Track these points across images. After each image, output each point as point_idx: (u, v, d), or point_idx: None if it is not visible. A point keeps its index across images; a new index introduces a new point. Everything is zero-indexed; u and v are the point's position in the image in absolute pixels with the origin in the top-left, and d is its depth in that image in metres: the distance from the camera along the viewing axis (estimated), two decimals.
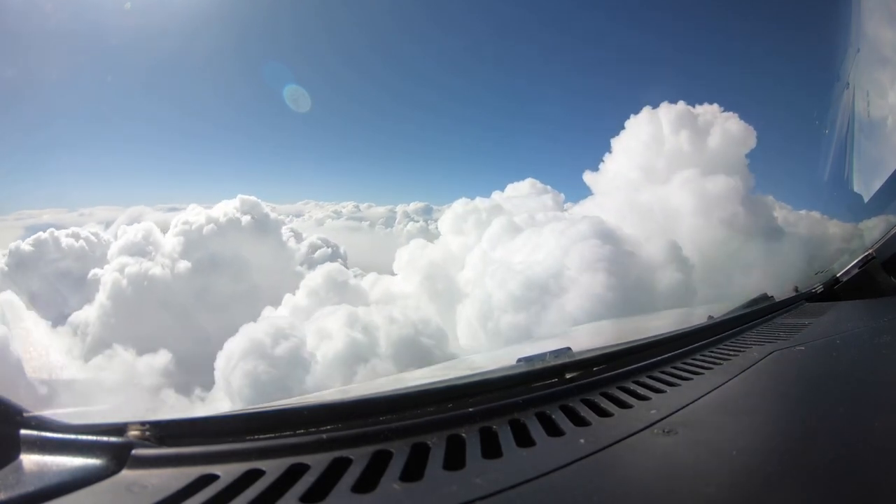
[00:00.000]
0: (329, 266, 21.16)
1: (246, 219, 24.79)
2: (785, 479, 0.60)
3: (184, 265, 22.27)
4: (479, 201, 22.18)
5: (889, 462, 0.64)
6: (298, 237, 28.90)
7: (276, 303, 18.80)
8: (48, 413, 0.70)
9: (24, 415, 0.68)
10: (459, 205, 22.54)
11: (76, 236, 23.52)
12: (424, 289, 18.79)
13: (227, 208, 24.68)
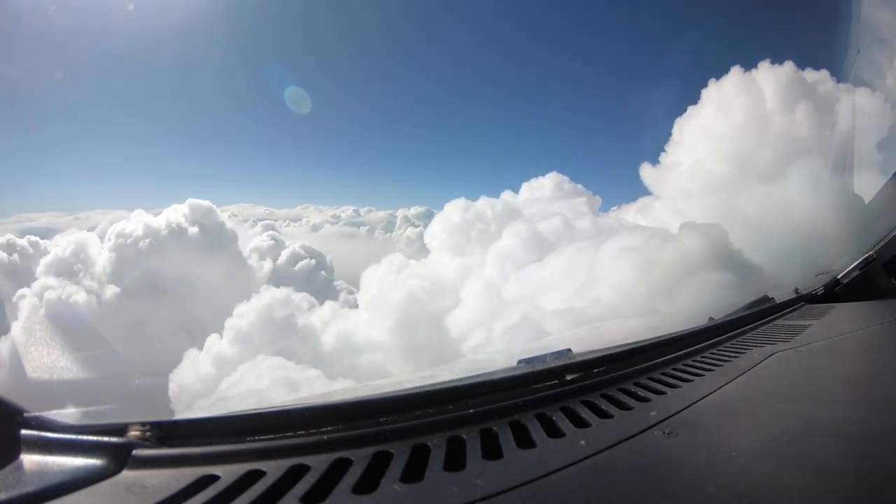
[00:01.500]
0: (275, 294, 15.71)
1: (193, 230, 20.38)
2: (785, 480, 0.60)
3: (110, 292, 17.84)
4: (485, 203, 15.81)
5: (889, 463, 0.64)
6: (279, 246, 25.39)
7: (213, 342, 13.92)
8: (49, 413, 0.71)
9: (25, 415, 0.68)
10: (455, 208, 16.00)
11: (11, 247, 20.29)
12: (397, 339, 12.55)
13: (172, 216, 20.56)
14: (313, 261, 25.36)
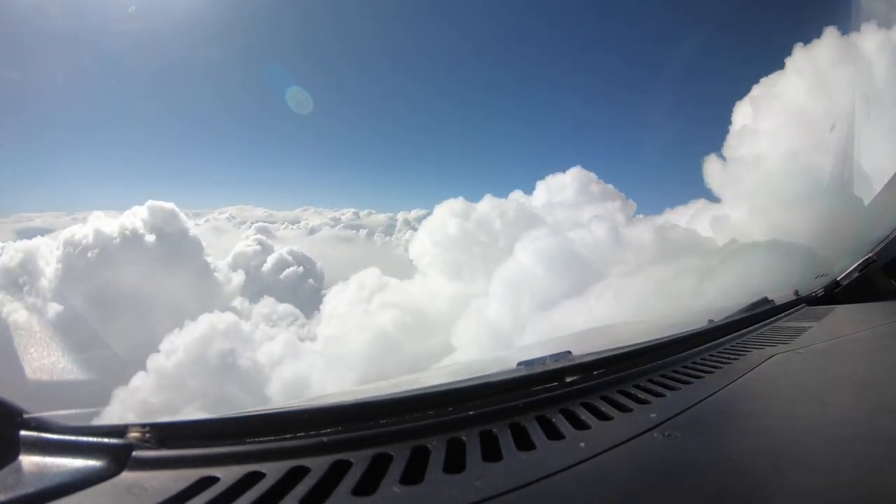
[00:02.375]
0: (218, 320, 11.78)
1: (150, 238, 17.44)
2: (786, 482, 0.60)
3: (53, 311, 14.94)
4: (490, 205, 12.17)
5: (890, 466, 0.64)
6: (266, 251, 23.13)
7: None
8: (48, 414, 0.71)
9: (25, 416, 0.68)
10: (449, 212, 12.25)
11: None
12: None
13: (129, 221, 17.71)
14: (301, 268, 23.40)
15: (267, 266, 23.25)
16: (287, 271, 23.32)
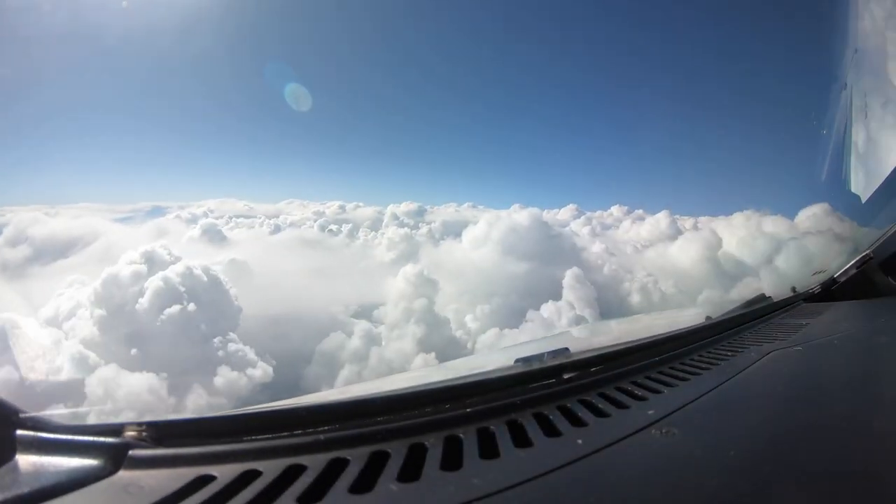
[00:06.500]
0: None
1: None
2: (782, 479, 0.60)
3: None
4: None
5: (887, 462, 0.64)
6: (156, 269, 14.90)
7: None
8: (44, 413, 0.70)
9: (20, 415, 0.68)
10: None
11: None
12: None
13: None
14: (191, 305, 14.67)
15: (143, 302, 14.59)
16: (167, 314, 14.60)
